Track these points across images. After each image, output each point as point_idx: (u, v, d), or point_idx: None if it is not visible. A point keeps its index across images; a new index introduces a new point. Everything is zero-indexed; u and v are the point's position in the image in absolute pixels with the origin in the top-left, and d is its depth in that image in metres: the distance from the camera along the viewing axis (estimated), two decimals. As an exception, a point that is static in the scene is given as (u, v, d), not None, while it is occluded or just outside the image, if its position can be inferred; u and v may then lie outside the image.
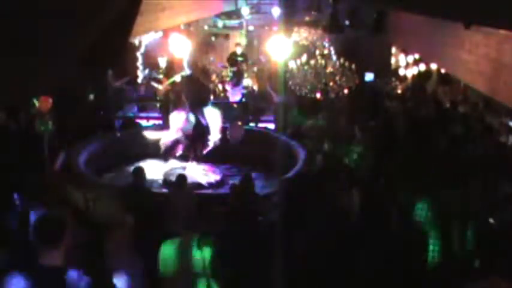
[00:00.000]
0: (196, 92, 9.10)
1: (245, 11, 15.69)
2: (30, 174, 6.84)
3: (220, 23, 15.90)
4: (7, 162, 7.39)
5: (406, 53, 14.44)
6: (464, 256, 5.17)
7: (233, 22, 16.03)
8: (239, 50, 14.47)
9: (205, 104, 9.16)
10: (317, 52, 14.05)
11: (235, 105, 13.31)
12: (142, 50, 13.83)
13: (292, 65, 12.42)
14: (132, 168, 8.19)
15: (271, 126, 12.00)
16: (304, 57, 12.76)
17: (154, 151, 9.56)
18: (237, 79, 13.80)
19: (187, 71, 9.21)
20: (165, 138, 9.16)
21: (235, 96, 13.64)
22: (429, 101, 12.43)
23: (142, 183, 7.09)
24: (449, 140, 9.12)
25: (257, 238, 5.17)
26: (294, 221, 5.31)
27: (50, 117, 9.05)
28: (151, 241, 4.86)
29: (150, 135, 9.83)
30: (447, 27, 9.03)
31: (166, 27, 11.01)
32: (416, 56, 13.76)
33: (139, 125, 12.00)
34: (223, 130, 9.36)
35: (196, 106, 8.99)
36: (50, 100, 8.95)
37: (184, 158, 9.35)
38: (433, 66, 13.53)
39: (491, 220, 5.96)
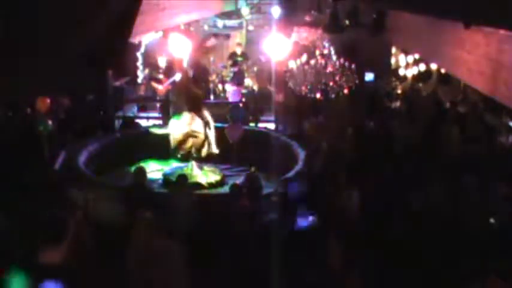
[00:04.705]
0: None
1: (245, 11, 15.68)
2: (30, 173, 6.85)
3: (220, 23, 15.89)
4: (7, 162, 7.40)
5: (406, 53, 14.43)
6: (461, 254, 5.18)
7: (233, 22, 16.01)
8: (239, 50, 14.46)
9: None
10: (317, 52, 14.03)
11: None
12: (142, 50, 13.82)
13: (292, 65, 12.41)
14: (132, 168, 8.21)
15: (271, 126, 12.00)
16: (304, 57, 12.75)
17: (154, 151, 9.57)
18: (238, 79, 13.78)
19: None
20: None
21: (235, 96, 13.62)
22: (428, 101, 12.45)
23: (143, 183, 7.09)
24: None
25: (259, 238, 5.19)
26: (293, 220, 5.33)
27: (50, 117, 9.06)
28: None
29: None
30: (447, 27, 9.03)
31: (166, 27, 11.02)
32: (416, 56, 13.76)
33: (139, 125, 11.99)
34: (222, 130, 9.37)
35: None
36: (49, 100, 8.96)
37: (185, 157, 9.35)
38: (433, 66, 13.53)
39: (491, 220, 5.97)
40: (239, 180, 8.00)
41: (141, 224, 5.11)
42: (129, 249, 4.94)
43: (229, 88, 13.74)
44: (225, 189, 8.47)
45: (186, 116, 8.91)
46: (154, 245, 4.92)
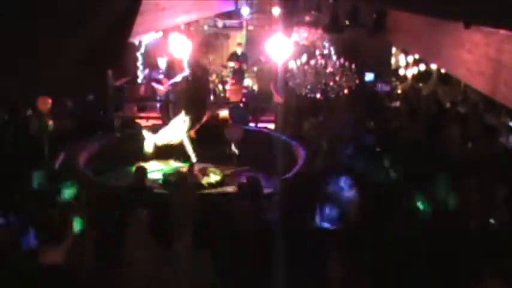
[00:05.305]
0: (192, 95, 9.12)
1: (245, 11, 15.70)
2: (30, 174, 6.84)
3: (220, 23, 15.90)
4: (7, 162, 7.40)
5: (406, 53, 14.44)
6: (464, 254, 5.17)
7: (233, 22, 16.03)
8: (239, 50, 14.46)
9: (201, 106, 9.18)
10: (317, 52, 14.04)
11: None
12: (142, 50, 13.83)
13: (292, 65, 12.42)
14: (132, 168, 8.20)
15: (271, 126, 12.00)
16: (304, 57, 12.76)
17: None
18: (238, 77, 13.79)
19: (187, 71, 9.24)
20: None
21: (235, 95, 13.61)
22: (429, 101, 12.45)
23: (143, 182, 7.09)
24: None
25: (262, 238, 5.18)
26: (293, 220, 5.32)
27: (50, 117, 9.06)
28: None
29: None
30: (447, 27, 9.03)
31: (166, 27, 11.03)
32: (416, 56, 13.76)
33: (139, 125, 11.99)
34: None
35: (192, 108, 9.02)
36: (50, 100, 8.95)
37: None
38: (433, 66, 13.53)
39: (491, 220, 5.96)
40: (241, 180, 8.00)
41: (140, 223, 5.10)
42: (127, 249, 4.93)
43: (229, 86, 13.72)
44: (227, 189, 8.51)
45: (179, 119, 9.02)
46: (152, 245, 4.92)
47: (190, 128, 9.11)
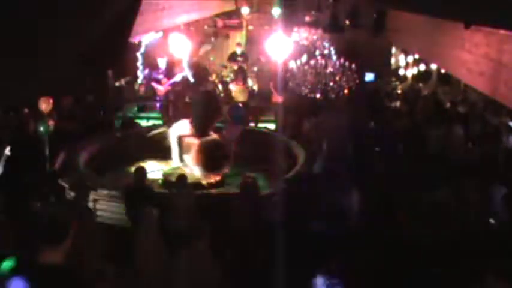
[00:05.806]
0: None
1: (245, 10, 15.71)
2: (31, 174, 6.85)
3: (220, 23, 15.91)
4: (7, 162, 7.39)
5: (406, 53, 14.44)
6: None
7: (233, 22, 16.05)
8: (239, 50, 14.46)
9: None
10: (317, 52, 14.04)
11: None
12: (142, 50, 13.83)
13: (292, 65, 12.42)
14: (132, 168, 8.20)
15: (271, 126, 12.00)
16: (304, 57, 12.77)
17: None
18: (242, 77, 13.76)
19: (187, 71, 9.24)
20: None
21: (242, 95, 13.55)
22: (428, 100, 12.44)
23: (143, 183, 7.09)
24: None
25: (262, 238, 5.19)
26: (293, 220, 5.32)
27: (50, 117, 9.05)
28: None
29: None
30: (447, 27, 9.03)
31: (166, 27, 11.03)
32: (416, 56, 13.77)
33: (139, 125, 11.99)
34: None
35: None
36: (51, 100, 8.95)
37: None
38: (433, 66, 13.53)
39: (491, 220, 5.97)
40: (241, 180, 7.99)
41: (146, 222, 5.10)
42: (133, 248, 4.94)
43: (234, 87, 13.67)
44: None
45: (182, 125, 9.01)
46: (157, 244, 4.93)
47: (199, 131, 9.07)
